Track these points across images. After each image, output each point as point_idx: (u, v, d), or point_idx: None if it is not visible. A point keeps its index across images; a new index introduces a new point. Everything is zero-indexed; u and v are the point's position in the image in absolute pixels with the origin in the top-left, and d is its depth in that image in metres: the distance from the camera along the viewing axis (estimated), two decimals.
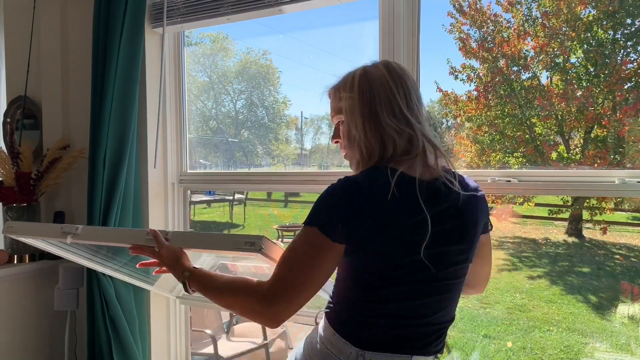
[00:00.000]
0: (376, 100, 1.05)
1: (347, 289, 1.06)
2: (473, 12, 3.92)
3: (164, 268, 1.24)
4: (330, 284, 1.11)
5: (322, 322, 1.13)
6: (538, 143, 3.86)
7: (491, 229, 1.19)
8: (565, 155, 3.79)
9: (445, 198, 1.04)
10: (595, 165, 3.55)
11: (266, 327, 0.92)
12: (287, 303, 0.99)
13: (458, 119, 4.28)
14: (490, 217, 1.19)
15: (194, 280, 1.16)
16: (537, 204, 4.86)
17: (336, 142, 1.18)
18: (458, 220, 1.05)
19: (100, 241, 1.60)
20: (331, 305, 1.11)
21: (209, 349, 2.93)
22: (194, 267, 1.19)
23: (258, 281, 1.04)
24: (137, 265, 1.36)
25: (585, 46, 3.52)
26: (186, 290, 1.18)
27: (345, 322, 1.06)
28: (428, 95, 4.53)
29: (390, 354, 1.02)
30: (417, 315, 1.04)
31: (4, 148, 2.10)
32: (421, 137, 1.05)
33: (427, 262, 0.99)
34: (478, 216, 1.10)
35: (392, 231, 0.99)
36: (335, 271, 1.07)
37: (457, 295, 1.12)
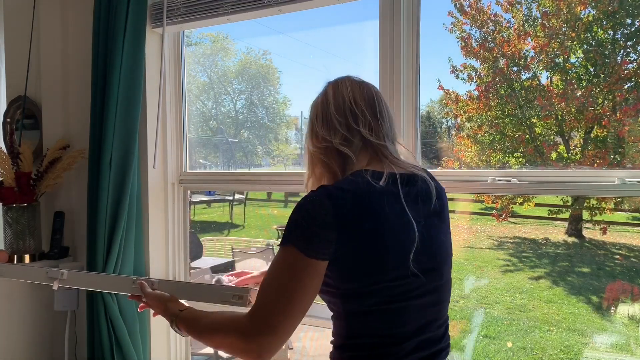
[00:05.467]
0: (317, 120, 1.11)
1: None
2: (474, 12, 3.92)
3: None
4: None
5: None
6: (538, 143, 3.86)
7: None
8: (565, 155, 3.79)
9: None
10: (595, 165, 3.55)
11: None
12: (268, 334, 0.91)
13: (458, 119, 4.28)
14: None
15: (180, 323, 1.15)
16: (537, 204, 4.85)
17: None
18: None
19: (87, 287, 1.65)
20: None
21: (209, 349, 2.93)
22: (180, 309, 1.19)
23: (239, 314, 0.98)
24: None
25: (585, 46, 3.52)
26: (178, 332, 1.18)
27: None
28: (429, 94, 4.53)
29: None
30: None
31: (4, 148, 2.09)
32: (375, 140, 1.07)
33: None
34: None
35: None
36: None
37: None
